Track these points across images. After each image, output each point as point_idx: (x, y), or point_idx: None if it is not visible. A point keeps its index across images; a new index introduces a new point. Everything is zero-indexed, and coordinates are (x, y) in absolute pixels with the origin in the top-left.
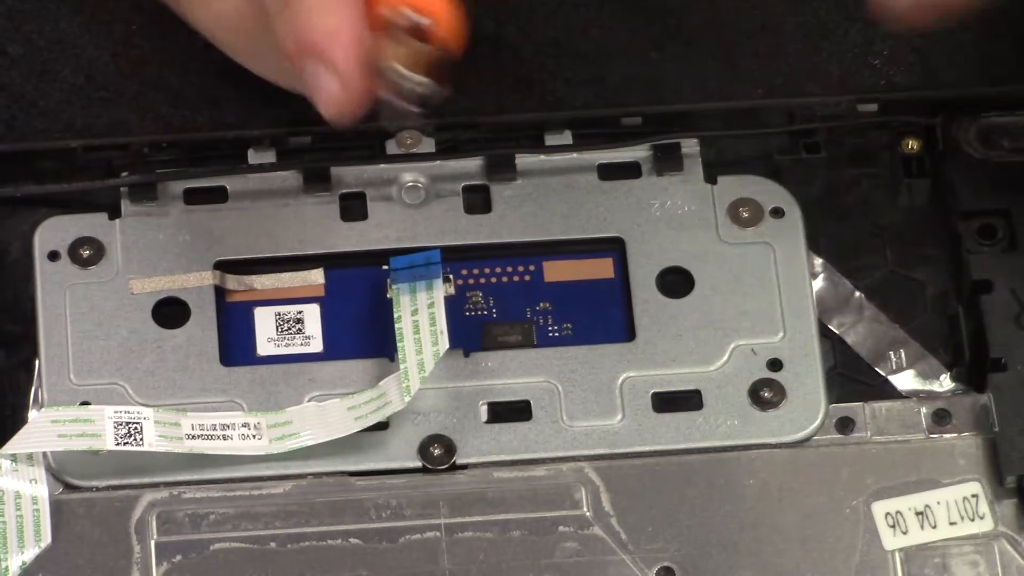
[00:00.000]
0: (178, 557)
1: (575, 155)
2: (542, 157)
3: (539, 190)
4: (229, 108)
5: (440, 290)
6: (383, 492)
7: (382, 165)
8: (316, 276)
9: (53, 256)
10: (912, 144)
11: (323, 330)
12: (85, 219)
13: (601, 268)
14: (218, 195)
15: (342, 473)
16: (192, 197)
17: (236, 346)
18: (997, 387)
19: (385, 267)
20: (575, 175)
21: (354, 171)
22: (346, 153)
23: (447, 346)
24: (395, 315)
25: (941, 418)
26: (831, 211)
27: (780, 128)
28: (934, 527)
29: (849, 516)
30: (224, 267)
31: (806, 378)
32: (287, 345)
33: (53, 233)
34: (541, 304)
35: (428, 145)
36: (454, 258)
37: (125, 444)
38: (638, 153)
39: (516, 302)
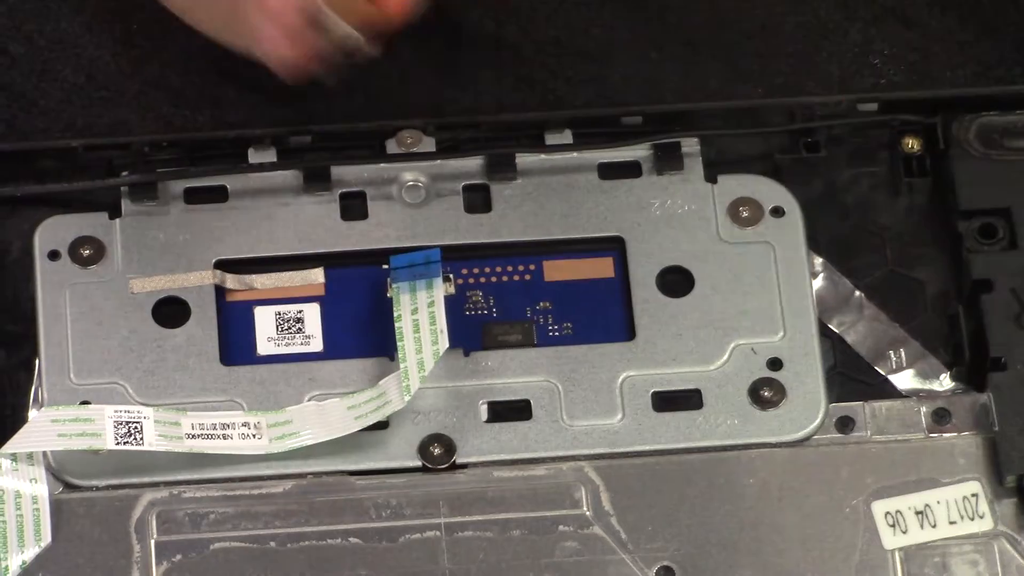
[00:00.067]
0: (178, 556)
1: (575, 154)
2: (542, 156)
3: (539, 189)
4: (230, 108)
5: (440, 289)
6: (383, 491)
7: (382, 164)
8: (316, 275)
9: (53, 255)
10: (912, 143)
11: (323, 329)
12: (85, 218)
13: (601, 267)
14: (218, 194)
15: (342, 472)
16: (192, 196)
17: (236, 345)
18: (997, 386)
19: (385, 266)
20: (575, 174)
21: (354, 170)
22: (346, 152)
23: (447, 345)
24: (395, 314)
25: (941, 417)
26: (831, 211)
27: (780, 127)
28: (934, 526)
29: (849, 515)
30: (224, 266)
31: (806, 377)
32: (287, 344)
33: (53, 232)
34: (541, 303)
35: (428, 144)
36: (454, 257)
37: (125, 443)
38: (638, 152)
39: (516, 301)
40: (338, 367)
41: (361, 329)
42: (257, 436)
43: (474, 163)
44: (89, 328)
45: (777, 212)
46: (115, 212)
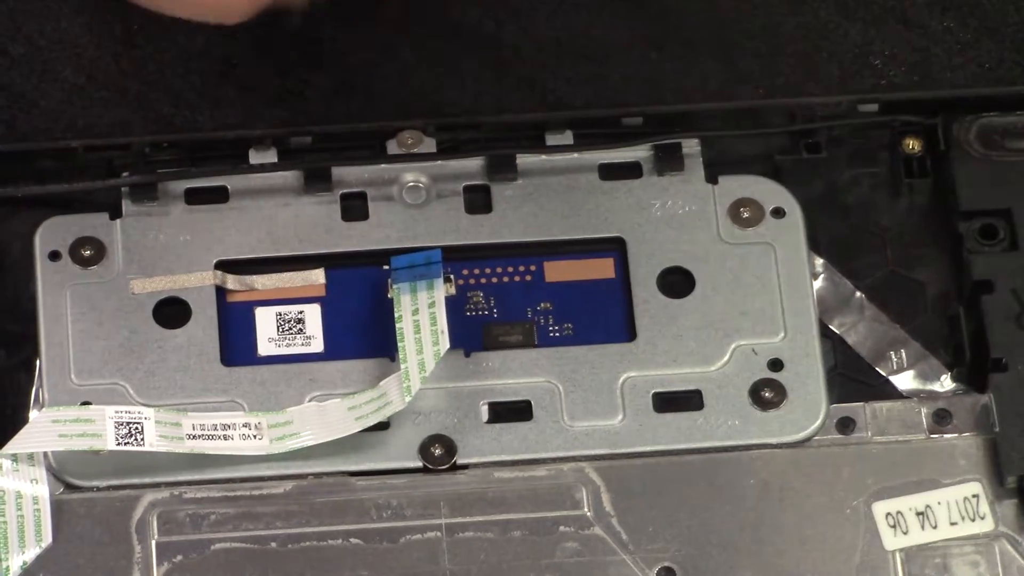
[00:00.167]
0: (179, 557)
1: (576, 155)
2: (543, 157)
3: (540, 190)
4: (230, 108)
5: (441, 290)
6: (384, 492)
7: (383, 165)
8: (317, 276)
9: (54, 256)
10: (913, 144)
11: (324, 330)
12: (86, 219)
13: (602, 268)
14: (219, 195)
15: (343, 473)
16: (193, 197)
17: (237, 346)
18: (998, 387)
19: (386, 267)
20: (576, 175)
21: (355, 171)
22: (347, 153)
23: (448, 346)
24: (396, 315)
25: (942, 418)
26: (831, 211)
27: (780, 128)
28: (935, 527)
29: (850, 516)
30: (225, 267)
31: (807, 378)
32: (288, 345)
33: (54, 233)
34: (542, 304)
35: (429, 145)
36: (455, 258)
37: (126, 444)
38: (639, 153)
39: (517, 302)
40: (339, 368)
41: (362, 330)
42: (258, 437)
43: (475, 164)
44: (90, 328)
45: (778, 213)
46: (116, 213)
